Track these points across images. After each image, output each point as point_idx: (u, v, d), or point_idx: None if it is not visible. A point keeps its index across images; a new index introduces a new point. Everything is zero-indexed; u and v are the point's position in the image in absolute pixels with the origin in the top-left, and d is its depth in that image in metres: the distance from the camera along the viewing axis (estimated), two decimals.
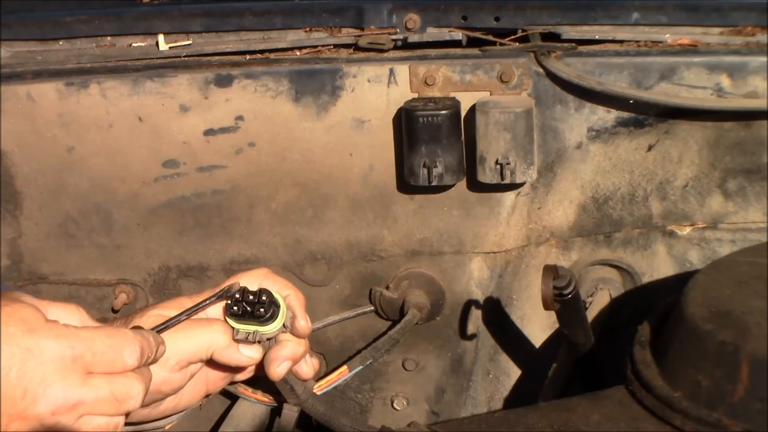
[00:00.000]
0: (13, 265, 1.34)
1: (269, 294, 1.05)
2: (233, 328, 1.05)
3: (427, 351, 1.38)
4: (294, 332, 1.09)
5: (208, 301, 1.05)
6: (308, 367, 1.13)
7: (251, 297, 1.04)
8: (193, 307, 1.04)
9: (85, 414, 0.93)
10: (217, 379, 1.12)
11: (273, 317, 1.05)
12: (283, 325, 1.07)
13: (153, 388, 1.01)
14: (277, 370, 1.09)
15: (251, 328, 1.05)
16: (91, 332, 0.94)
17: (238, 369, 1.11)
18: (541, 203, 1.31)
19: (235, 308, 1.04)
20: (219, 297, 1.04)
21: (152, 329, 1.00)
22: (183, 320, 1.02)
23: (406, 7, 1.27)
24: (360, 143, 1.27)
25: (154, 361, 0.98)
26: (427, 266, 1.33)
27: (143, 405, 1.02)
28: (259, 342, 1.06)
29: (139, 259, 1.33)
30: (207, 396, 1.15)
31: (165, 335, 1.01)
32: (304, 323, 1.10)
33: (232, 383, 1.18)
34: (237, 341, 1.06)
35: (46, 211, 1.30)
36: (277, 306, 1.05)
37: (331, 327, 1.36)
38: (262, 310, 1.04)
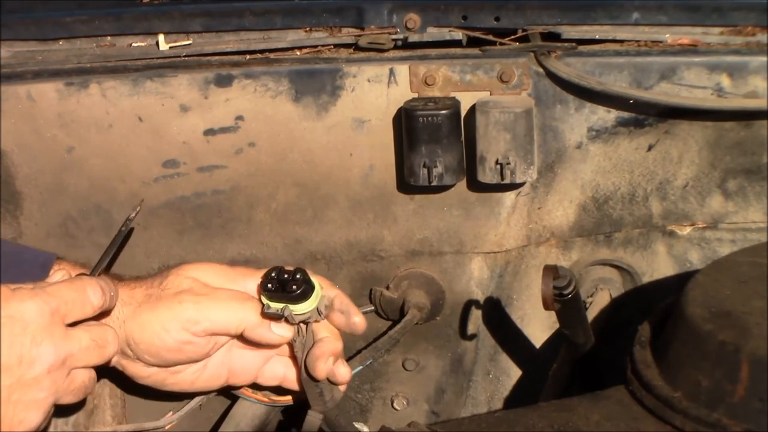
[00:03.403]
0: None
1: (304, 273, 1.06)
2: (263, 304, 1.06)
3: (427, 351, 1.38)
4: (350, 328, 1.12)
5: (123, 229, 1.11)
6: (345, 369, 1.13)
7: (286, 276, 1.06)
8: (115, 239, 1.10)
9: (74, 368, 0.98)
10: (241, 368, 1.15)
11: (305, 296, 1.05)
12: (318, 311, 1.07)
13: (176, 347, 1.08)
14: (323, 367, 1.10)
15: (281, 304, 1.05)
16: (57, 285, 0.99)
17: (267, 347, 1.13)
18: (541, 203, 1.31)
19: (269, 285, 1.06)
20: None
21: (94, 269, 1.07)
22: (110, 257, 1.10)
23: (406, 7, 1.27)
24: (360, 143, 1.27)
25: (112, 301, 1.03)
26: (427, 266, 1.33)
27: (165, 365, 1.10)
28: (289, 321, 1.06)
29: (139, 259, 1.32)
30: (225, 388, 1.18)
31: (201, 303, 1.07)
32: (359, 319, 1.13)
33: (254, 387, 1.19)
34: (266, 315, 1.07)
35: (46, 211, 1.30)
36: (311, 287, 1.06)
37: None
38: (294, 286, 1.04)
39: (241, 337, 1.12)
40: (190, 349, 1.09)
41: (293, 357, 1.14)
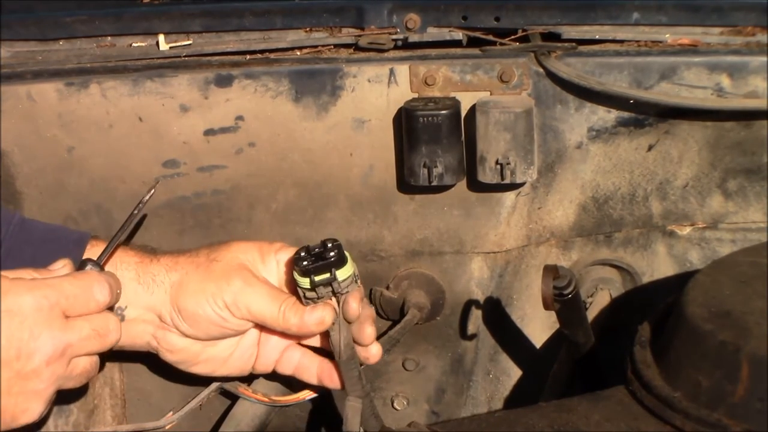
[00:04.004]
0: None
1: (333, 240, 1.05)
2: (305, 287, 1.06)
3: (427, 351, 1.38)
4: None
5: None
6: (378, 347, 1.14)
7: (317, 249, 1.05)
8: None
9: (74, 356, 0.97)
10: (266, 354, 1.17)
11: (343, 260, 1.05)
12: (355, 276, 1.07)
13: (217, 321, 1.09)
14: (368, 332, 1.11)
15: (326, 274, 1.04)
16: (59, 279, 0.99)
17: (305, 337, 1.15)
18: (541, 203, 1.31)
19: (305, 263, 1.04)
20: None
21: (101, 255, 1.06)
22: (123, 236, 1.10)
23: (407, 7, 1.27)
24: (360, 143, 1.27)
25: (118, 298, 1.03)
26: (427, 266, 1.33)
27: (201, 337, 1.11)
28: (335, 293, 1.06)
29: None
30: (252, 375, 1.19)
31: (247, 290, 1.08)
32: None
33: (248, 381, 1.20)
34: (309, 298, 1.07)
35: (46, 211, 1.30)
36: (344, 251, 1.05)
37: None
38: (331, 253, 1.04)
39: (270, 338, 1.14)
40: (228, 326, 1.10)
41: (325, 343, 1.12)
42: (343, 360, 1.08)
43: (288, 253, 1.13)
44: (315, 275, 1.05)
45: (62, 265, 1.03)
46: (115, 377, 1.31)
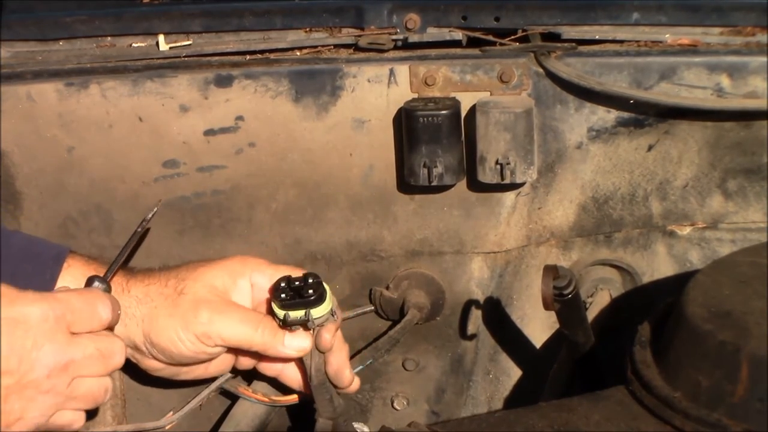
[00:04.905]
0: None
1: (315, 276, 1.08)
2: (279, 318, 1.08)
3: (427, 351, 1.38)
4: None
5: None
6: (351, 375, 1.16)
7: (297, 282, 1.07)
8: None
9: (77, 376, 0.97)
10: (246, 356, 1.17)
11: (321, 299, 1.07)
12: (332, 312, 1.09)
13: (190, 354, 1.10)
14: (348, 375, 1.14)
15: (301, 312, 1.07)
16: (66, 293, 0.99)
17: (283, 361, 1.16)
18: (541, 203, 1.31)
19: (283, 295, 1.07)
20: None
21: (107, 272, 1.07)
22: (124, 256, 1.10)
23: (406, 7, 1.27)
24: (360, 143, 1.27)
25: (118, 318, 1.03)
26: (427, 266, 1.33)
27: (179, 365, 1.12)
28: (308, 327, 1.08)
29: (139, 259, 1.32)
30: (233, 372, 1.20)
31: (216, 319, 1.08)
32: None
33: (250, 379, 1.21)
34: (284, 326, 1.08)
35: (46, 211, 1.30)
36: (324, 289, 1.07)
37: None
38: (310, 291, 1.06)
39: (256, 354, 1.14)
40: (203, 355, 1.12)
41: (300, 366, 1.15)
42: (314, 384, 1.12)
43: (263, 274, 1.14)
44: (290, 311, 1.08)
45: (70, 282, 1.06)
46: (115, 377, 1.31)
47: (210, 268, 1.14)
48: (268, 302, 1.12)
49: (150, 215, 1.12)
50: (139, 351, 1.12)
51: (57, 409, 0.97)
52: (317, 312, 1.08)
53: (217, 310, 1.09)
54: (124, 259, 1.11)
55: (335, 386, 1.15)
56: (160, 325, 1.09)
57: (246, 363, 1.18)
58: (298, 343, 1.10)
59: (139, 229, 1.11)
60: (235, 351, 1.16)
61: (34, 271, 1.07)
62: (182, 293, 1.11)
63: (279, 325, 1.10)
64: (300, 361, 1.14)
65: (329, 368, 1.13)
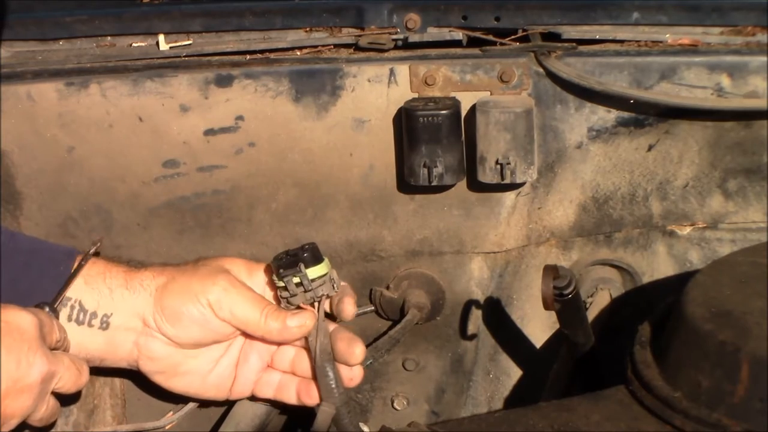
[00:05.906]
0: None
1: (311, 243, 1.11)
2: (281, 295, 1.10)
3: (427, 351, 1.38)
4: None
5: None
6: (362, 352, 1.14)
7: (294, 251, 1.10)
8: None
9: (54, 387, 1.01)
10: (244, 376, 1.18)
11: (316, 258, 1.09)
12: (332, 279, 1.11)
13: (198, 319, 1.11)
14: (350, 309, 1.14)
15: (294, 270, 1.09)
16: (33, 308, 1.02)
17: (286, 343, 1.16)
18: (541, 203, 1.31)
19: (282, 260, 1.09)
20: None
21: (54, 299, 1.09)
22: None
23: (407, 7, 1.27)
24: (360, 143, 1.27)
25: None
26: (427, 266, 1.33)
27: (183, 340, 1.12)
28: (307, 289, 1.09)
29: (139, 259, 1.32)
30: (228, 400, 1.21)
31: (231, 292, 1.10)
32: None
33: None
34: (283, 296, 1.11)
35: (46, 211, 1.30)
36: (318, 251, 1.10)
37: None
38: (306, 254, 1.08)
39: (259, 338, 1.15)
40: (210, 327, 1.11)
41: (306, 348, 1.15)
42: (318, 365, 1.11)
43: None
44: (284, 269, 1.09)
45: None
46: (115, 377, 1.31)
47: (229, 258, 1.18)
48: (275, 298, 1.14)
49: (93, 249, 1.14)
50: (145, 327, 1.12)
51: (21, 419, 0.98)
52: (313, 272, 1.09)
53: (233, 284, 1.11)
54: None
55: (344, 362, 1.13)
56: (176, 289, 1.11)
57: (243, 386, 1.19)
58: (299, 319, 1.11)
59: (83, 262, 1.12)
60: (233, 365, 1.17)
61: (47, 265, 1.09)
62: (202, 265, 1.14)
63: (281, 300, 1.12)
64: (306, 343, 1.14)
65: (339, 343, 1.12)
